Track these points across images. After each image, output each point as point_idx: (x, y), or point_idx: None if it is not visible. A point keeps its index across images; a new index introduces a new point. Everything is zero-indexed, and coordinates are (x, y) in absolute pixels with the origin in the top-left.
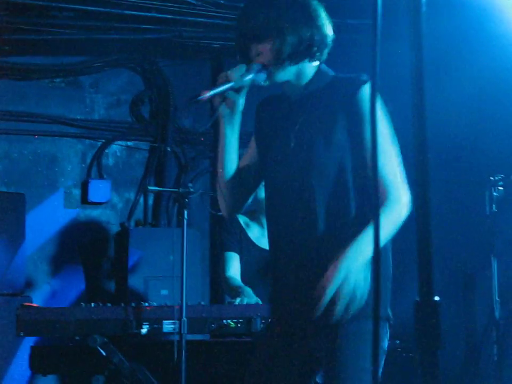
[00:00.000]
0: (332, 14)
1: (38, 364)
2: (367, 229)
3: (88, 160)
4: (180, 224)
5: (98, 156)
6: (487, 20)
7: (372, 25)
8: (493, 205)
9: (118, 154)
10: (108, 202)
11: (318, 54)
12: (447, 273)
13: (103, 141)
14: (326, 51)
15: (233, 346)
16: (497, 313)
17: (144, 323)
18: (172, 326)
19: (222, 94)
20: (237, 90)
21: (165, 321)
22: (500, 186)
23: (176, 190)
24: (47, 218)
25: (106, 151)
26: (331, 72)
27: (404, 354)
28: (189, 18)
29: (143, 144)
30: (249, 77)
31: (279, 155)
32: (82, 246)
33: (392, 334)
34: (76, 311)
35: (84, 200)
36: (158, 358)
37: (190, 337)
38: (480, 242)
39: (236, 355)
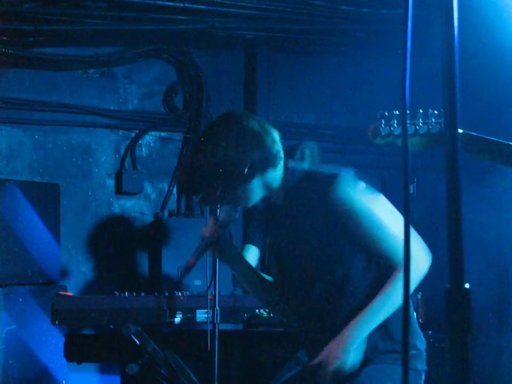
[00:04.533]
0: (365, 5)
1: (72, 352)
2: (377, 298)
3: (122, 151)
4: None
5: (132, 146)
6: None
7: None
8: None
9: (152, 145)
10: (141, 192)
11: (268, 167)
12: (481, 265)
13: (137, 131)
14: (277, 160)
15: (266, 336)
16: None
17: (178, 312)
18: (205, 315)
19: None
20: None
21: (198, 311)
22: None
23: None
24: (81, 209)
25: (139, 141)
26: (299, 167)
27: (437, 345)
28: (222, 9)
29: (176, 135)
30: (221, 223)
31: (283, 252)
32: (116, 236)
33: (424, 325)
34: (110, 300)
35: (118, 190)
36: (191, 347)
37: (223, 326)
38: None
39: (268, 345)
